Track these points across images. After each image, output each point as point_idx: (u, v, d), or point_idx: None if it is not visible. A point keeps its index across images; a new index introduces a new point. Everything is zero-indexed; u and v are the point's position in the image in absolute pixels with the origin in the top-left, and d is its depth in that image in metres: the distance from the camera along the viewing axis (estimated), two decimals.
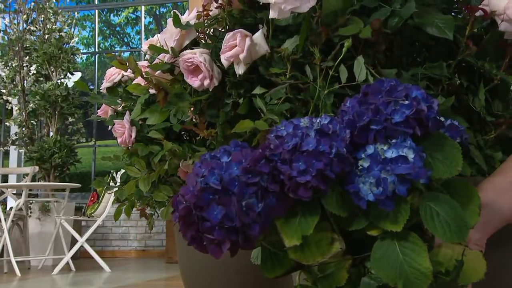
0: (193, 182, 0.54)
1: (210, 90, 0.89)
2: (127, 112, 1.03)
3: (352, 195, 0.53)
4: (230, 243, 0.53)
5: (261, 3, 0.80)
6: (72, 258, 3.95)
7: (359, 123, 0.55)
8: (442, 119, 0.61)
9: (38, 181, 4.85)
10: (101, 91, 1.20)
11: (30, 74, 5.07)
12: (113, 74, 1.15)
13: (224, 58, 0.84)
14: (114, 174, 1.39)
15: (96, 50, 7.76)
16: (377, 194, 0.52)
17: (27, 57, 5.09)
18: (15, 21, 5.17)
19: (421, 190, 0.54)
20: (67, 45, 5.16)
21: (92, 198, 4.37)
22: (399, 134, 0.54)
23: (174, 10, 0.97)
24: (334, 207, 0.54)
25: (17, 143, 5.08)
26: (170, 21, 0.94)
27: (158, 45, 1.01)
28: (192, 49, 0.91)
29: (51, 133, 4.97)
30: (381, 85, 0.57)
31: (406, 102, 0.55)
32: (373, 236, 0.54)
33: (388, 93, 0.56)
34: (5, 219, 3.83)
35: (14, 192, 4.65)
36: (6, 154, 6.03)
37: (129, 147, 1.04)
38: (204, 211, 0.52)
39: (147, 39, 1.13)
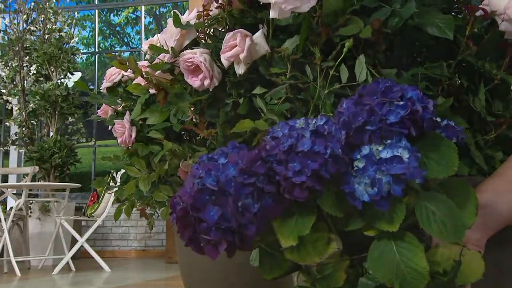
0: (190, 183, 0.54)
1: (210, 90, 0.89)
2: (127, 112, 1.03)
3: (347, 196, 0.53)
4: (227, 243, 0.53)
5: (261, 3, 0.80)
6: (72, 258, 3.95)
7: (354, 124, 0.55)
8: (438, 119, 0.61)
9: (38, 181, 4.85)
10: (101, 91, 1.20)
11: (30, 74, 5.07)
12: (113, 74, 1.15)
13: (224, 58, 0.84)
14: (114, 174, 1.39)
15: (96, 50, 7.76)
16: (372, 195, 0.52)
17: (27, 57, 5.09)
18: (15, 21, 5.17)
19: (417, 190, 0.54)
20: (67, 45, 5.16)
21: (92, 198, 4.37)
22: (394, 134, 0.54)
23: (174, 10, 0.97)
24: (330, 207, 0.54)
25: (17, 143, 5.08)
26: (170, 21, 0.94)
27: (158, 45, 1.01)
28: (192, 49, 0.91)
29: (51, 133, 4.97)
30: (376, 86, 0.57)
31: (401, 102, 0.55)
32: (371, 236, 0.54)
33: (383, 94, 0.56)
34: (5, 219, 3.83)
35: (14, 192, 4.65)
36: (6, 154, 6.03)
37: (129, 147, 1.04)
38: (200, 212, 0.52)
39: (147, 39, 1.13)
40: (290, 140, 0.53)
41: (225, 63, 0.84)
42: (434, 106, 0.57)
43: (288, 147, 0.53)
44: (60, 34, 5.20)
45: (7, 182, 5.70)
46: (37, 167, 4.60)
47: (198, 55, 0.87)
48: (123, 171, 1.09)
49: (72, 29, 5.40)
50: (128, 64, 1.01)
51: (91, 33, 10.41)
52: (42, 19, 5.19)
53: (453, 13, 0.84)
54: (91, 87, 6.70)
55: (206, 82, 0.87)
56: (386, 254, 0.52)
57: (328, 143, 0.53)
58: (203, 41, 0.97)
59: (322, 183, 0.52)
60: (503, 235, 0.65)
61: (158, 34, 1.06)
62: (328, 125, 0.55)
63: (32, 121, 5.04)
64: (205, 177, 0.53)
